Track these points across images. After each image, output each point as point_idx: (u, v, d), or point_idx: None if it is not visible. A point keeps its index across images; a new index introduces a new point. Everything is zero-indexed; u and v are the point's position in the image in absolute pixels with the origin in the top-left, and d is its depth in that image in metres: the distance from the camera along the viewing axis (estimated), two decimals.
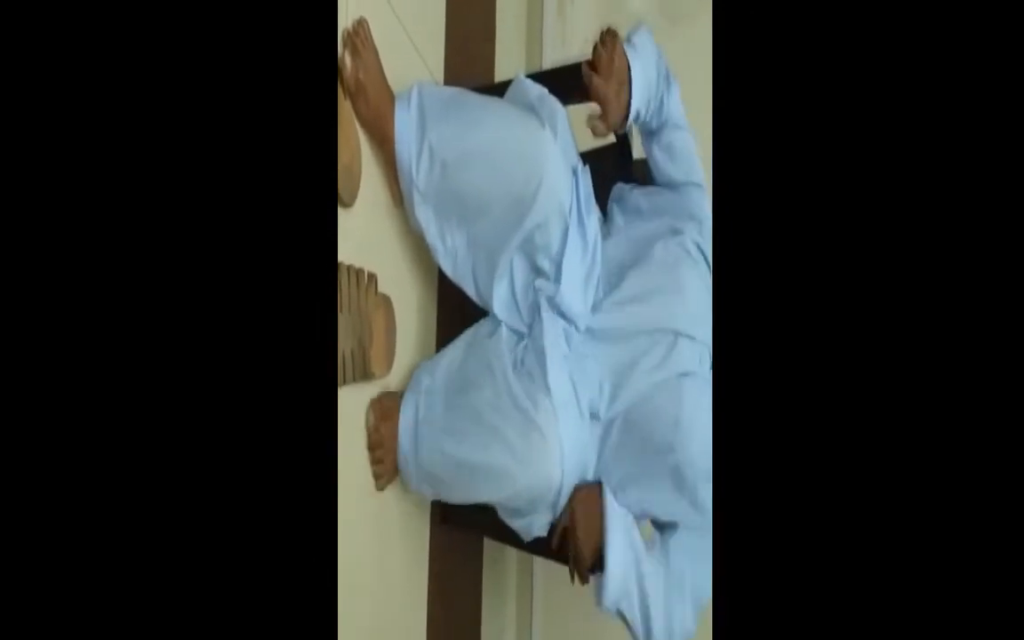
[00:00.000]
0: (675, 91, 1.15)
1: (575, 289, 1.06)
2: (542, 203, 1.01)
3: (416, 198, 1.07)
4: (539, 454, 0.96)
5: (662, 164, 1.18)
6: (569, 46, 2.19)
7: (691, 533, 1.04)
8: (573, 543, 1.01)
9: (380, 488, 1.10)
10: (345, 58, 1.02)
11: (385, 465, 1.09)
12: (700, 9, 1.85)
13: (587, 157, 1.17)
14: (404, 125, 1.05)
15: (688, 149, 1.17)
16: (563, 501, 1.00)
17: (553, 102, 1.07)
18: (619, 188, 1.24)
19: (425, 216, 1.08)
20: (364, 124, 1.06)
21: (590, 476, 1.05)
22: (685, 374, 1.03)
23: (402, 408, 1.09)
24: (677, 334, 1.03)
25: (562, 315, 1.06)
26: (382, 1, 1.13)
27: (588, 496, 1.01)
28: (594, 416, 1.04)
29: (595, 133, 1.08)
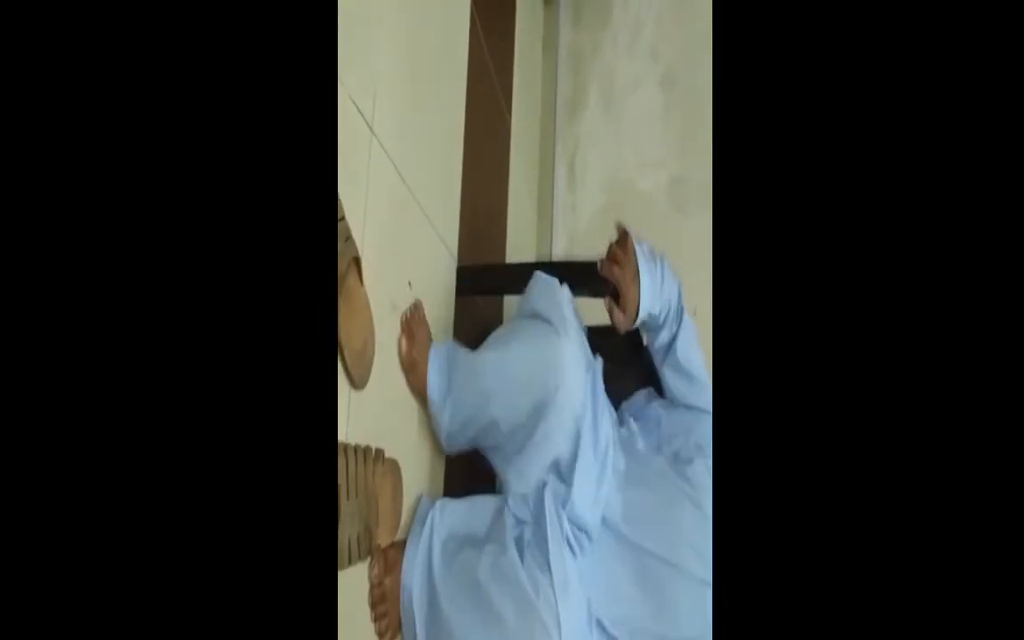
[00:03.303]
0: (688, 327, 1.24)
1: (585, 494, 1.08)
2: (560, 407, 1.06)
3: (444, 441, 1.21)
4: (537, 635, 0.94)
5: (674, 388, 1.26)
6: (579, 216, 2.28)
7: None
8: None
9: None
10: (402, 342, 1.17)
11: (389, 619, 1.07)
12: (705, 204, 1.93)
13: (597, 334, 1.20)
14: (435, 381, 1.18)
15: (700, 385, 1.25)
16: None
17: (571, 311, 1.14)
18: (637, 400, 1.31)
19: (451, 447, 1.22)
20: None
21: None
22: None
23: (406, 553, 1.09)
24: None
25: (572, 522, 1.07)
26: (398, 180, 1.19)
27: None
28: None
29: (614, 322, 1.17)
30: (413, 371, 1.19)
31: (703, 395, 1.24)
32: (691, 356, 1.25)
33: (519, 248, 2.05)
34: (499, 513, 1.10)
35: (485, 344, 1.20)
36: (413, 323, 1.20)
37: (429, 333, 1.23)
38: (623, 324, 1.17)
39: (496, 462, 1.18)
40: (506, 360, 1.12)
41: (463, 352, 1.21)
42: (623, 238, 1.20)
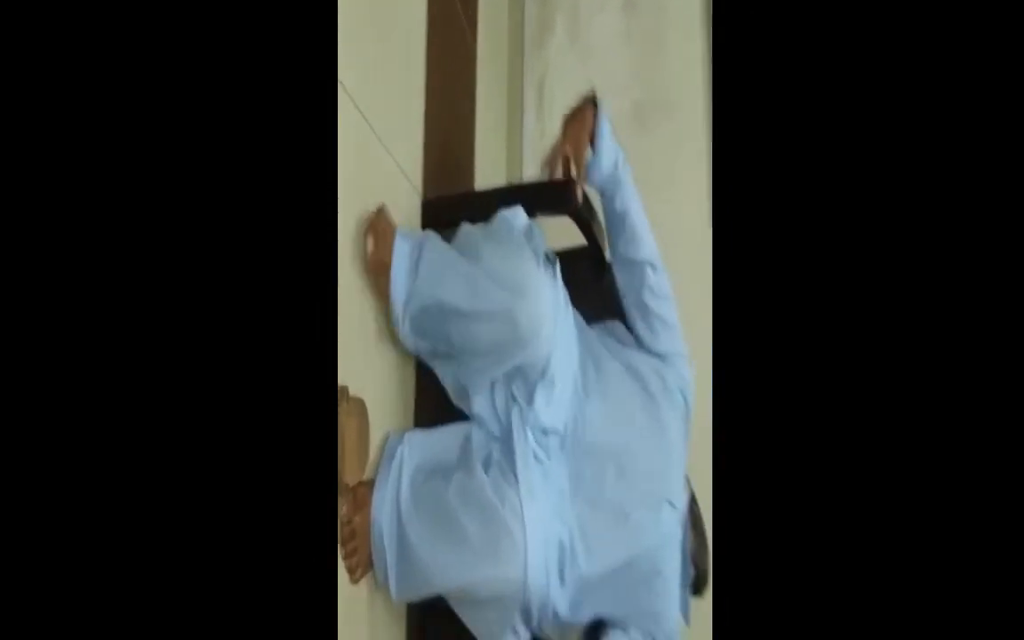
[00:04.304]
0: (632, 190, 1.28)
1: (548, 401, 1.09)
2: (535, 345, 1.05)
3: (408, 335, 1.16)
4: (502, 549, 0.97)
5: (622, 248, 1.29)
6: (548, 144, 2.25)
7: None
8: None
9: (355, 581, 1.08)
10: (368, 243, 1.13)
11: (359, 556, 1.08)
12: (665, 119, 1.95)
13: (563, 257, 1.20)
14: (399, 273, 1.13)
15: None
16: (535, 610, 1.00)
17: (540, 234, 1.15)
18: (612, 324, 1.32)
19: (415, 347, 1.17)
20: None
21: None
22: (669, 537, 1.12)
23: (375, 490, 1.09)
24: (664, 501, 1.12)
25: (536, 430, 1.09)
26: (355, 114, 1.15)
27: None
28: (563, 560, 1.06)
29: (559, 170, 1.24)
30: (379, 274, 1.14)
31: (645, 247, 1.27)
32: (637, 208, 1.28)
33: (489, 178, 2.02)
34: (467, 439, 1.12)
35: (454, 246, 1.15)
36: (379, 224, 1.15)
37: (395, 229, 1.18)
38: (579, 177, 1.23)
39: (454, 371, 1.16)
40: (474, 274, 1.08)
41: (429, 254, 1.14)
42: (591, 103, 1.25)
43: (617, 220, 1.28)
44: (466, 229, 1.17)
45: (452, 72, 1.75)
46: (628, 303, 1.28)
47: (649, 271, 1.25)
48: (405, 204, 1.37)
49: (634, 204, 1.27)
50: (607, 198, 1.29)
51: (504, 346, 1.05)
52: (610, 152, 1.24)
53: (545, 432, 1.10)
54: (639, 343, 1.26)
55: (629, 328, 1.28)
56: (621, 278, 1.30)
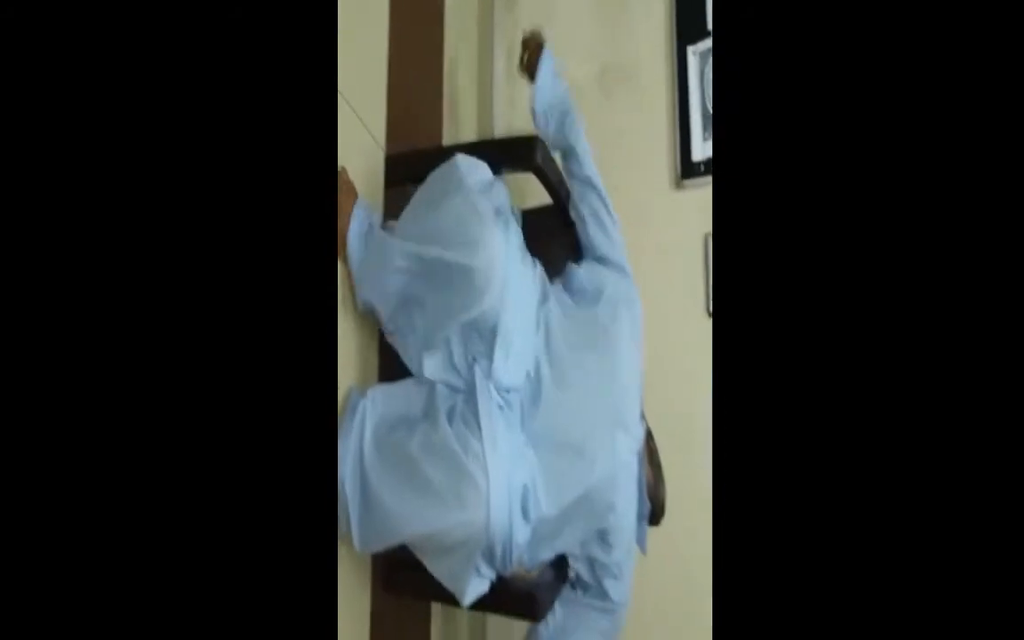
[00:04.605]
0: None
1: (507, 358, 1.10)
2: (491, 295, 1.06)
3: (365, 301, 1.19)
4: (466, 495, 0.98)
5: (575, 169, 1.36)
6: (518, 109, 2.25)
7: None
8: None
9: None
10: None
11: None
12: (627, 88, 1.97)
13: (529, 214, 1.21)
14: (355, 238, 1.17)
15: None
16: (499, 551, 1.01)
17: (502, 190, 1.16)
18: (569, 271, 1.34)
19: (372, 310, 1.19)
20: None
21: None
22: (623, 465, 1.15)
23: (339, 439, 1.10)
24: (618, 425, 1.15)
25: (498, 387, 1.10)
26: None
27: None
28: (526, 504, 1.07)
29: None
30: (339, 239, 1.17)
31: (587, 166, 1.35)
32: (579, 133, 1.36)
33: (459, 139, 2.02)
34: (432, 392, 1.12)
35: (404, 219, 1.17)
36: (339, 186, 1.17)
37: (356, 196, 1.21)
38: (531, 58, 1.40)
39: (411, 337, 1.17)
40: (424, 236, 1.09)
41: (380, 231, 1.19)
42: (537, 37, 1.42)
43: (569, 148, 1.35)
44: (419, 191, 1.18)
45: (419, 30, 1.74)
46: (583, 211, 1.34)
47: (598, 186, 1.34)
48: (368, 160, 1.36)
49: (582, 138, 1.36)
50: (555, 125, 1.36)
51: (460, 297, 1.06)
52: (550, 75, 1.37)
53: (508, 390, 1.11)
54: (593, 251, 1.32)
55: (583, 239, 1.35)
56: (575, 192, 1.36)
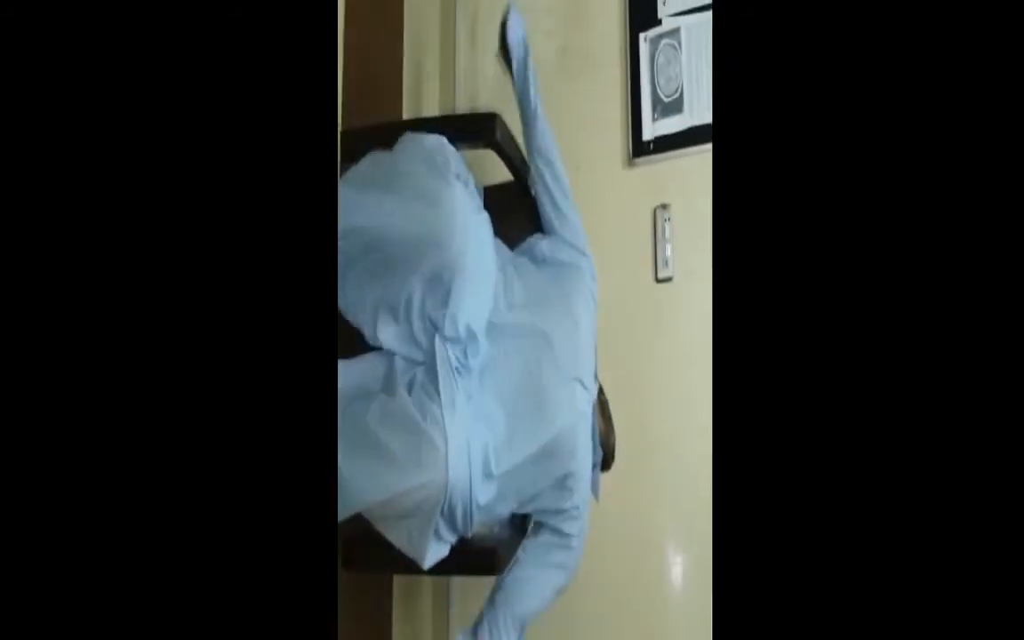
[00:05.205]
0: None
1: (465, 308, 1.10)
2: (449, 242, 1.07)
3: None
4: (424, 457, 1.00)
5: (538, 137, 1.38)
6: (480, 84, 2.30)
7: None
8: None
9: None
10: None
11: None
12: (585, 70, 2.06)
13: (491, 190, 1.27)
14: None
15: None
16: (459, 511, 1.03)
17: (461, 163, 1.17)
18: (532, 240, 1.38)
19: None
20: None
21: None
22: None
23: None
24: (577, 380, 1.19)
25: (458, 342, 1.10)
26: None
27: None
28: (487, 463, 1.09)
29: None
30: None
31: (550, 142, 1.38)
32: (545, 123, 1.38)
33: (420, 114, 2.07)
34: (391, 365, 1.13)
35: (363, 179, 1.17)
36: None
37: None
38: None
39: (368, 295, 1.15)
40: (385, 203, 1.11)
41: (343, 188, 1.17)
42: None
43: (531, 116, 1.38)
44: (378, 155, 1.19)
45: (376, 4, 1.74)
46: (539, 189, 1.37)
47: (555, 162, 1.37)
48: None
49: (541, 113, 1.38)
50: (522, 93, 1.38)
51: (419, 247, 1.08)
52: (520, 26, 1.39)
53: (470, 335, 1.11)
54: (551, 227, 1.36)
55: (542, 214, 1.38)
56: (534, 168, 1.38)
